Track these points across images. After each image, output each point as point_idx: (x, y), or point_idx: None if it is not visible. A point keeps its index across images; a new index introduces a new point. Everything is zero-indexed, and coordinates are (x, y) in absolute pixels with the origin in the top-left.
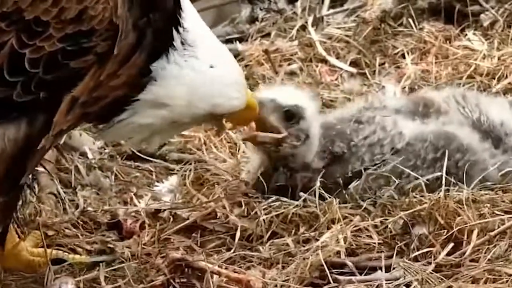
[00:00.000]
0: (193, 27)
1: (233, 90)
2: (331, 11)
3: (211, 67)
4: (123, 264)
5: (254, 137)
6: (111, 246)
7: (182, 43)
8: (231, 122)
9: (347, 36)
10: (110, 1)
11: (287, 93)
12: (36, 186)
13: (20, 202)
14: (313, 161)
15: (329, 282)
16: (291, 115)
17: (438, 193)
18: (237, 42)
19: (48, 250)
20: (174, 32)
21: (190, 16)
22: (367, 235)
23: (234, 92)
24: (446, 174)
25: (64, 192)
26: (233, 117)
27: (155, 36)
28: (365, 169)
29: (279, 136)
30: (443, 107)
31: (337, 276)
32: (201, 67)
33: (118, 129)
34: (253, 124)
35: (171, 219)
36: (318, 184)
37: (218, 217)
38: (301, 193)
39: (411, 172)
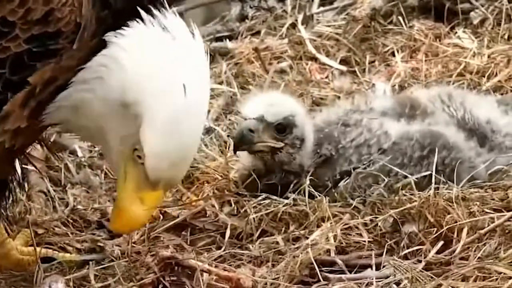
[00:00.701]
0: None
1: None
2: (321, 9)
3: None
4: (113, 263)
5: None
6: (101, 244)
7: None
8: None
9: (337, 34)
10: (76, 2)
11: (273, 103)
12: (26, 184)
13: (5, 200)
14: (305, 161)
15: (319, 280)
16: (283, 128)
17: (428, 191)
18: (227, 40)
19: (38, 249)
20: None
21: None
22: (357, 233)
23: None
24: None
25: (54, 190)
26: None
27: (114, 18)
28: (353, 169)
29: (276, 145)
30: (430, 108)
31: (327, 274)
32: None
33: (51, 110)
34: None
35: (161, 217)
36: (307, 182)
37: (207, 215)
38: (289, 194)
39: (399, 170)
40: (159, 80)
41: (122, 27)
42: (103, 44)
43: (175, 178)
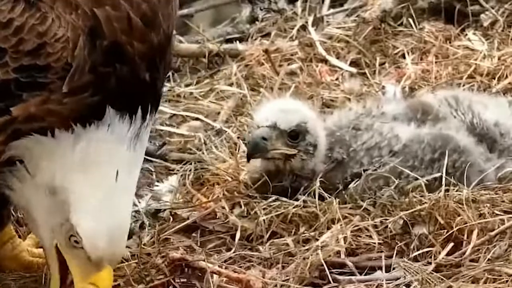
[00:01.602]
0: None
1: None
2: (331, 11)
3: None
4: (123, 264)
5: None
6: None
7: None
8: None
9: (347, 36)
10: (70, 42)
11: (285, 109)
12: None
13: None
14: (317, 165)
15: (329, 282)
16: (296, 135)
17: (438, 193)
18: (237, 42)
19: None
20: None
21: None
22: (367, 235)
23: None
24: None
25: None
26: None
27: (119, 86)
28: (364, 171)
29: (289, 152)
30: (442, 113)
31: (337, 276)
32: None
33: None
34: None
35: (171, 219)
36: (317, 184)
37: (218, 217)
38: (299, 196)
39: (410, 172)
40: (91, 168)
41: (119, 105)
42: (97, 109)
43: (117, 253)
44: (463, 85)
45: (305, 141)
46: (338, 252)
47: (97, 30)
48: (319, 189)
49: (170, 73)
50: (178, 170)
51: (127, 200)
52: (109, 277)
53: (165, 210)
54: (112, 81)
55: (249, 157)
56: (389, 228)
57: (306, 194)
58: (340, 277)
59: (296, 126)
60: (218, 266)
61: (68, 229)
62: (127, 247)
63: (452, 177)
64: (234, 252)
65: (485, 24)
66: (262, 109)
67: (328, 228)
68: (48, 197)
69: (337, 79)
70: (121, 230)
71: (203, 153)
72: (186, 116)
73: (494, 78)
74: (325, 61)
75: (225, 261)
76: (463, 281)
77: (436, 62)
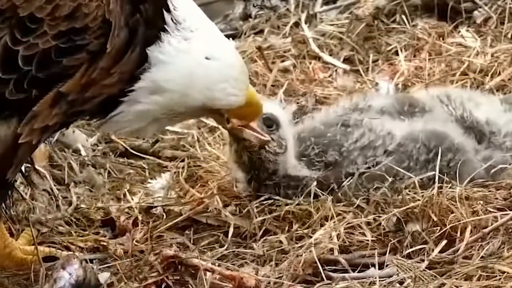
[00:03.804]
0: (185, 9)
1: (230, 86)
2: (324, 8)
3: (207, 58)
4: (116, 262)
5: (240, 131)
6: (104, 243)
7: (175, 23)
8: (233, 118)
9: (340, 33)
10: None
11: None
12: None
13: (8, 200)
14: (298, 169)
15: (322, 279)
16: (271, 122)
17: (431, 190)
18: (231, 39)
19: (41, 248)
20: (165, 14)
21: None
22: (360, 232)
23: (231, 89)
24: (438, 174)
25: (57, 189)
26: (234, 113)
27: (147, 27)
28: (358, 171)
29: (264, 138)
30: (428, 106)
31: (330, 273)
32: (197, 55)
33: (115, 122)
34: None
35: (164, 216)
36: (314, 183)
37: (210, 211)
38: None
39: (406, 172)
40: None
41: (154, 37)
42: (143, 59)
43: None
44: (456, 82)
45: (278, 132)
46: (331, 250)
47: None
48: (315, 188)
49: None
50: (171, 167)
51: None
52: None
53: (158, 206)
54: (142, 27)
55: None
56: (383, 225)
57: (302, 196)
58: (333, 274)
59: (270, 114)
60: (211, 263)
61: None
62: (120, 244)
63: (446, 175)
64: (227, 250)
65: (478, 21)
66: None
67: (322, 226)
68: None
69: (330, 76)
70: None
71: (196, 150)
72: None
73: (487, 75)
74: (318, 58)
75: (218, 259)
76: (456, 278)
77: (429, 59)
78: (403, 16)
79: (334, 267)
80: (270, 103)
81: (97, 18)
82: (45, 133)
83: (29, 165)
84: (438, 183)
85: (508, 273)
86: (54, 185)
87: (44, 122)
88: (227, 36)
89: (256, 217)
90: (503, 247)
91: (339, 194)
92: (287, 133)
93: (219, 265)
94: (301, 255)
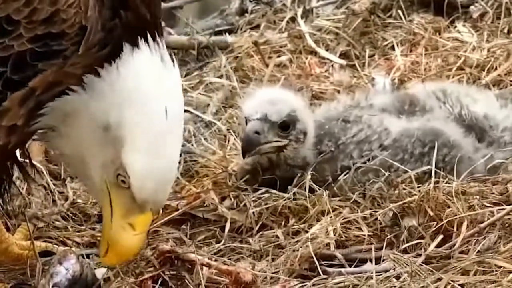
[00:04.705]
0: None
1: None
2: (321, 2)
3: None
4: None
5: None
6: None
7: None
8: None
9: (336, 28)
10: (82, 5)
11: (274, 100)
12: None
13: (6, 194)
14: (307, 153)
15: (318, 274)
16: (287, 125)
17: (428, 185)
18: (227, 34)
19: (37, 243)
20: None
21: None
22: (357, 227)
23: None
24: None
25: (54, 184)
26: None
27: (124, 31)
28: (353, 164)
29: (281, 144)
30: (428, 105)
31: (326, 268)
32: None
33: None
34: None
35: (160, 211)
36: (308, 177)
37: (206, 205)
38: (289, 187)
39: (400, 165)
40: (142, 104)
41: (131, 42)
42: (109, 57)
43: (161, 198)
44: (453, 77)
45: (296, 129)
46: (328, 244)
47: None
48: (309, 181)
49: None
50: None
51: (177, 142)
52: (148, 221)
53: None
54: (118, 30)
55: (244, 154)
56: (379, 220)
57: (296, 187)
58: (330, 269)
59: (286, 116)
60: (208, 258)
61: (117, 167)
62: None
63: (442, 170)
64: (223, 244)
65: (475, 16)
66: (250, 101)
67: (318, 220)
68: (101, 133)
69: (326, 71)
70: (170, 173)
71: (192, 145)
72: None
73: (484, 70)
74: (314, 53)
75: (214, 253)
76: (452, 273)
77: (425, 54)
78: (400, 11)
79: (330, 262)
80: (284, 94)
81: (75, 25)
82: (13, 135)
83: (25, 160)
84: (435, 178)
85: (504, 267)
86: (51, 180)
87: (12, 121)
88: (224, 31)
89: (253, 211)
90: (500, 242)
91: (335, 188)
92: (306, 121)
93: (215, 260)
94: (298, 250)
